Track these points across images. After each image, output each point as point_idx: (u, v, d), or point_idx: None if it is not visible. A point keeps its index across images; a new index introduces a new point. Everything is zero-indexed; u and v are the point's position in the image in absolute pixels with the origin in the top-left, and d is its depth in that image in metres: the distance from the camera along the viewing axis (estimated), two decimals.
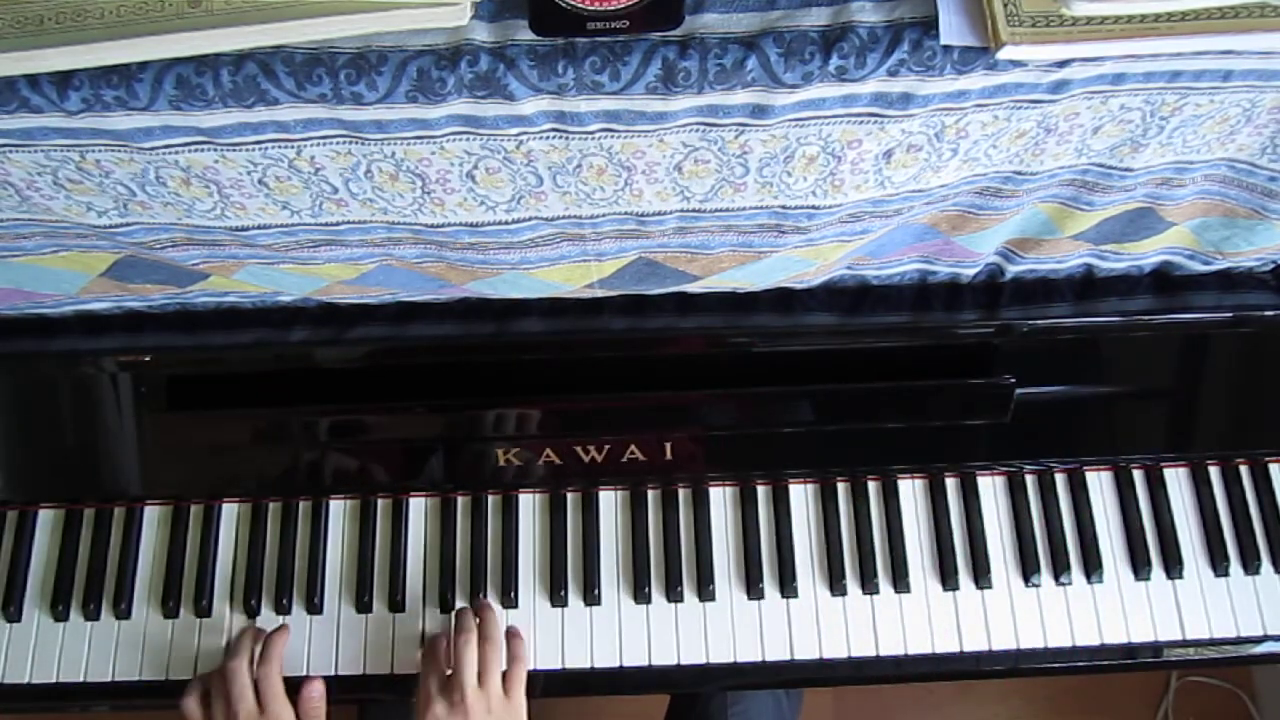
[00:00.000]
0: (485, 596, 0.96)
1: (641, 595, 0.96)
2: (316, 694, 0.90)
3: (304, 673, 0.94)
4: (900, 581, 0.96)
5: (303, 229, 0.76)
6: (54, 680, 0.94)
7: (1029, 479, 1.00)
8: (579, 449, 0.95)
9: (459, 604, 0.96)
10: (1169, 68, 0.64)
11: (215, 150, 0.65)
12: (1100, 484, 1.00)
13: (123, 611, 0.96)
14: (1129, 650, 0.95)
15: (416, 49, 0.59)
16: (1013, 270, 0.92)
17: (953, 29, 0.58)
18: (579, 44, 0.60)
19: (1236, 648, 0.95)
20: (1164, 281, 0.94)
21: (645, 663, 0.93)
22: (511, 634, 0.93)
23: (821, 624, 0.95)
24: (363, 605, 0.95)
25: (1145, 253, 0.90)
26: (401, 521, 0.98)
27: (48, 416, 0.96)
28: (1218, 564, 0.97)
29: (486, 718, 0.84)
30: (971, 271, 0.92)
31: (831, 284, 0.93)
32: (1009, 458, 0.99)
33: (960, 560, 0.97)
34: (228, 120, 0.62)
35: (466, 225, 0.76)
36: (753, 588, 0.96)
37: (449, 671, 0.88)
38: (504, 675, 0.89)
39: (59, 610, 0.96)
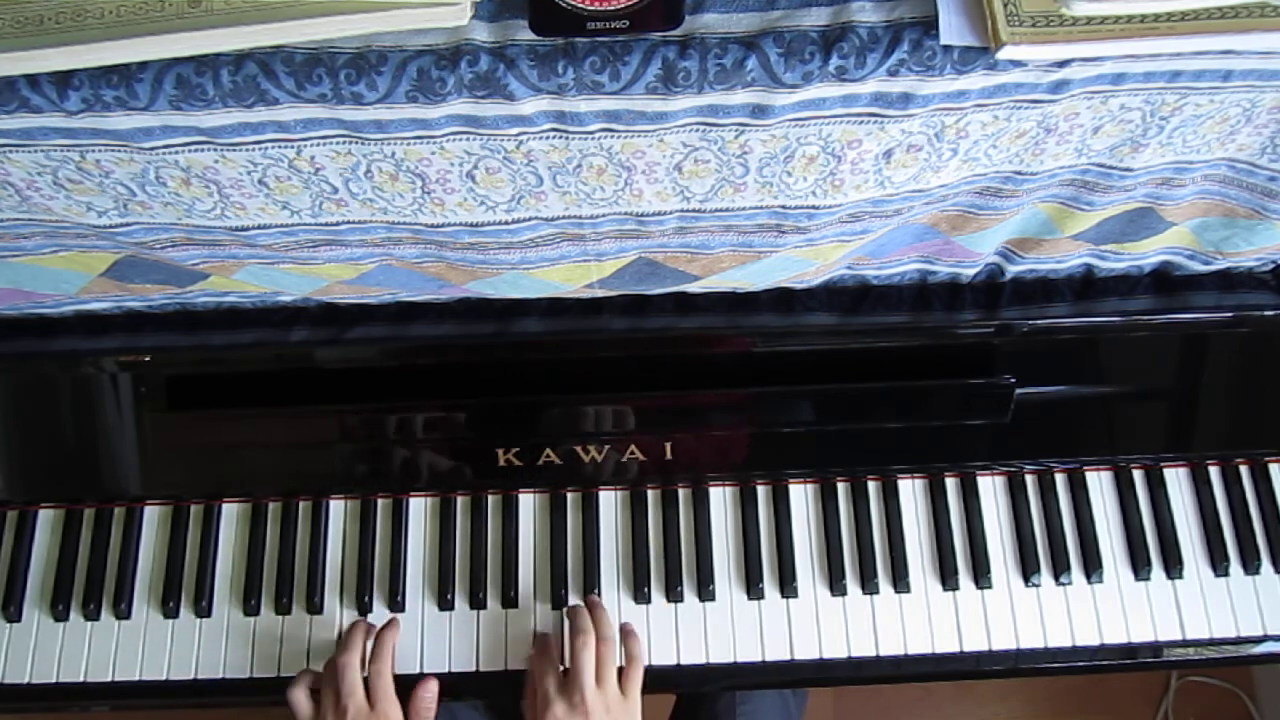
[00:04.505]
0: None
1: (641, 595, 0.95)
2: (430, 694, 0.90)
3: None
4: (900, 581, 0.96)
5: (303, 229, 0.76)
6: (54, 680, 0.94)
7: (1029, 479, 1.00)
8: (579, 449, 0.95)
9: (459, 605, 0.96)
10: (1169, 68, 0.63)
11: (215, 150, 0.65)
12: (1100, 484, 1.00)
13: (123, 612, 0.96)
14: (1129, 650, 0.95)
15: (416, 49, 0.59)
16: (1013, 270, 0.92)
17: (953, 29, 0.58)
18: (579, 44, 0.59)
19: (1236, 648, 0.95)
20: (1164, 281, 0.94)
21: (645, 663, 0.93)
22: (628, 633, 0.93)
23: (821, 624, 0.95)
24: (363, 606, 0.95)
25: (1145, 253, 0.90)
26: (401, 521, 0.98)
27: (48, 416, 0.96)
28: (1218, 564, 0.97)
29: (605, 717, 0.84)
30: (971, 271, 0.92)
31: (831, 284, 0.93)
32: (1009, 458, 0.99)
33: (960, 560, 0.97)
34: (228, 120, 0.62)
35: (466, 225, 0.75)
36: (753, 588, 0.96)
37: (563, 669, 0.88)
38: (621, 673, 0.89)
39: (59, 610, 0.96)
